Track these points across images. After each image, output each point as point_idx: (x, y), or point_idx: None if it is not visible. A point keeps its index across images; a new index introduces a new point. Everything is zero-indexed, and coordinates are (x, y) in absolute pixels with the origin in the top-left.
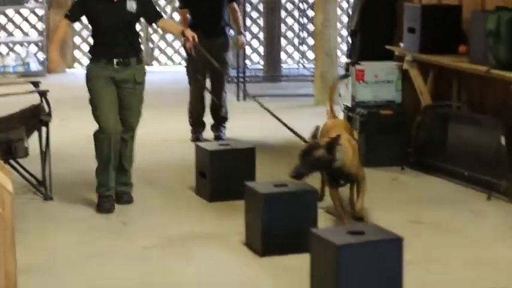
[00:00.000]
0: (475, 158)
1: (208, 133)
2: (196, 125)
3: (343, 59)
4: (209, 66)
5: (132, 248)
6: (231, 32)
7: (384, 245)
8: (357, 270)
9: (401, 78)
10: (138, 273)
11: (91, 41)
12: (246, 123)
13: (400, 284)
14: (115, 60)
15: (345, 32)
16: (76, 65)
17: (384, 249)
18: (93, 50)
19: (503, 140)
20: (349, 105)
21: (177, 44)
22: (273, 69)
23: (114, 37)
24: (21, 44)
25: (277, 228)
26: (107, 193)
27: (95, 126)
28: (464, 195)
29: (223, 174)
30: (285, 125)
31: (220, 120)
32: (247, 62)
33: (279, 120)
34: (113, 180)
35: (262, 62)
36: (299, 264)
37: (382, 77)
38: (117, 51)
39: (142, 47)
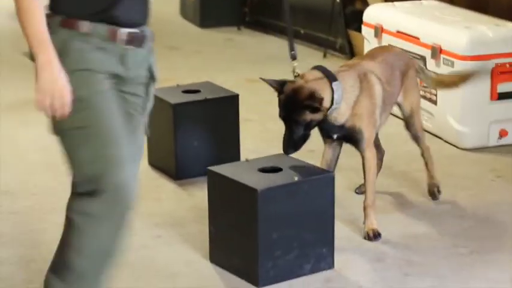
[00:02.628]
0: (311, 16)
1: None
2: None
3: None
4: None
5: None
6: None
7: (220, 102)
8: (192, 127)
9: None
10: None
11: None
12: None
13: (237, 139)
14: (123, 32)
15: None
16: None
17: (220, 106)
18: (67, 3)
19: None
20: None
21: None
22: None
23: None
24: None
25: None
26: None
27: None
28: (301, 53)
29: None
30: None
31: None
32: None
33: None
34: None
35: None
36: None
37: None
38: (127, 9)
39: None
